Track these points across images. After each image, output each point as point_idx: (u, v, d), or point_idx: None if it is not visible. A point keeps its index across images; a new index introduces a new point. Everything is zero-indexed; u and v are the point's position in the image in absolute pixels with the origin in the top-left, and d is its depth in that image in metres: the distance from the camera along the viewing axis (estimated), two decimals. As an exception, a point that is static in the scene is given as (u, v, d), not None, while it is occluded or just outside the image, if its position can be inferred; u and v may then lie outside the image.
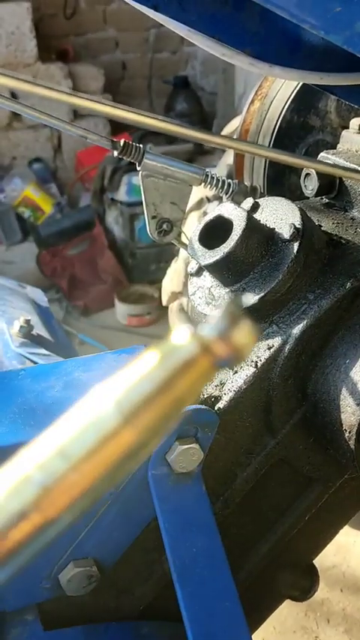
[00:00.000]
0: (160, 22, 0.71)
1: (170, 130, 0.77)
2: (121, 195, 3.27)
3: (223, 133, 1.62)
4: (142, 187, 0.88)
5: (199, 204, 1.53)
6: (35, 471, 0.30)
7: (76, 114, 4.30)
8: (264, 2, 0.42)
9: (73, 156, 4.44)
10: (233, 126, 1.56)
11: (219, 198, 1.58)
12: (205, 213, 1.58)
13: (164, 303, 1.82)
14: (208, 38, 0.71)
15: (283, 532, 0.78)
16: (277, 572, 0.82)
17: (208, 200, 1.55)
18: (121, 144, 0.85)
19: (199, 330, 0.31)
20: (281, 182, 1.07)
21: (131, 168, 3.31)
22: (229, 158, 1.55)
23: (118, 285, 3.31)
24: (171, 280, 1.72)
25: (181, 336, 0.31)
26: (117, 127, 4.28)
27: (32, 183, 4.12)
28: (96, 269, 3.38)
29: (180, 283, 1.67)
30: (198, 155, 3.59)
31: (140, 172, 0.87)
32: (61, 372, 0.65)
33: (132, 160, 0.86)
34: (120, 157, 0.86)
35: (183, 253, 1.68)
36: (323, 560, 1.76)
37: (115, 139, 0.86)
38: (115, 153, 0.85)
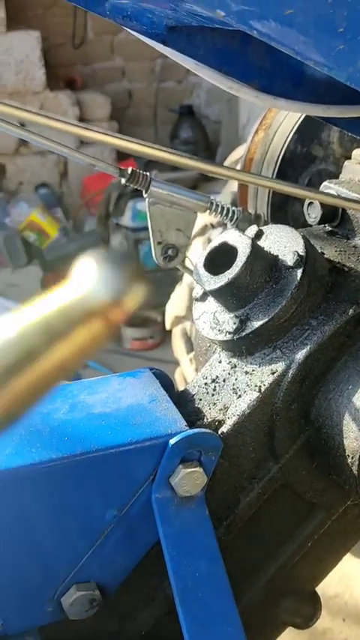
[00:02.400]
0: (168, 55, 0.73)
1: (174, 160, 0.79)
2: (126, 220, 3.31)
3: (227, 161, 1.65)
4: (148, 214, 0.90)
5: (203, 230, 1.55)
6: None
7: (83, 141, 4.37)
8: (270, 41, 0.44)
9: (78, 181, 4.50)
10: (237, 154, 1.58)
11: (223, 225, 1.60)
12: (209, 240, 1.60)
13: (168, 327, 1.83)
14: (215, 71, 0.73)
15: (286, 558, 0.78)
16: (279, 599, 0.81)
17: (212, 227, 1.57)
18: (129, 172, 0.87)
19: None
20: (284, 210, 1.09)
21: (136, 194, 3.36)
22: (233, 186, 1.58)
23: (121, 309, 3.32)
24: (175, 305, 1.73)
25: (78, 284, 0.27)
26: (123, 153, 4.35)
27: (38, 208, 4.17)
28: (100, 293, 3.39)
29: (183, 308, 1.68)
30: (202, 182, 3.64)
31: (147, 199, 0.89)
32: (67, 394, 0.66)
33: (139, 188, 0.88)
34: (127, 184, 0.88)
35: (187, 278, 1.70)
36: (325, 589, 1.74)
37: (122, 167, 0.88)
38: (123, 180, 0.87)
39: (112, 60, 4.94)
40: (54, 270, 3.67)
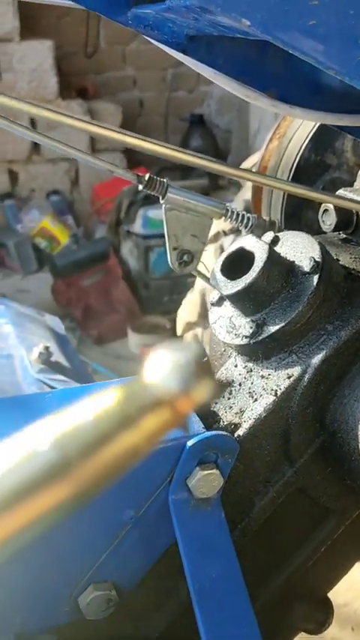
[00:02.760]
0: (187, 64, 0.75)
1: (189, 161, 0.80)
2: (137, 227, 3.33)
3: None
4: (164, 219, 0.91)
5: (216, 237, 1.56)
6: None
7: (94, 149, 4.41)
8: (293, 50, 0.45)
9: (89, 189, 4.53)
10: (250, 162, 1.60)
11: (235, 232, 1.62)
12: (221, 247, 1.61)
13: (179, 333, 1.84)
14: (233, 80, 0.74)
15: (299, 563, 0.78)
16: (292, 604, 0.82)
17: (225, 234, 1.58)
18: (146, 178, 0.88)
19: (165, 377, 0.28)
20: (298, 217, 1.10)
21: (147, 202, 3.38)
22: (246, 193, 1.59)
23: (131, 315, 3.34)
24: (186, 311, 1.74)
25: (144, 380, 0.28)
26: (133, 161, 4.38)
27: (50, 215, 4.20)
28: (110, 299, 3.42)
29: (195, 314, 1.69)
30: (212, 191, 3.66)
31: (163, 205, 0.90)
32: (87, 396, 0.67)
33: (155, 194, 0.90)
34: (144, 190, 0.89)
35: (199, 285, 1.71)
36: (334, 597, 1.73)
37: (140, 174, 0.90)
38: (140, 186, 0.89)
39: (124, 69, 4.99)
40: (64, 276, 3.69)
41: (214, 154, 4.83)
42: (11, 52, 4.19)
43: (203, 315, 1.60)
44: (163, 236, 0.94)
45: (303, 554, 0.77)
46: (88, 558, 0.63)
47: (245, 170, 0.79)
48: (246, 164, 1.66)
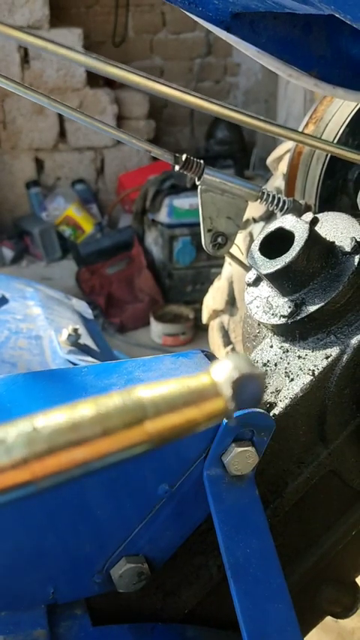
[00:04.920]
0: (230, 42, 0.74)
1: (222, 113, 0.78)
2: (162, 216, 3.33)
3: (272, 157, 1.65)
4: (199, 201, 0.91)
5: (246, 224, 1.56)
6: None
7: (118, 141, 4.41)
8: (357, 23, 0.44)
9: (114, 178, 4.54)
10: (282, 149, 1.59)
11: (265, 219, 1.61)
12: (250, 234, 1.60)
13: (204, 320, 1.84)
14: (276, 59, 0.74)
15: (329, 546, 0.78)
16: (320, 587, 0.82)
17: (254, 220, 1.57)
18: (183, 159, 0.88)
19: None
20: (332, 202, 1.09)
21: (173, 191, 3.38)
22: (276, 181, 1.58)
23: (154, 304, 3.35)
24: (213, 298, 1.74)
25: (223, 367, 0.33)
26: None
27: (75, 203, 4.22)
28: (133, 288, 3.43)
29: (222, 301, 1.69)
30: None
31: (199, 187, 0.90)
32: (122, 370, 0.67)
33: (192, 175, 0.89)
34: (181, 171, 0.89)
35: (226, 272, 1.71)
36: None
37: (177, 155, 0.90)
38: (177, 167, 0.89)
39: (152, 59, 4.98)
40: (88, 264, 3.71)
41: (240, 145, 4.80)
42: (40, 39, 4.20)
43: (230, 302, 1.60)
44: (187, 225, 0.93)
45: (332, 537, 0.77)
46: (122, 530, 0.64)
47: (289, 128, 0.78)
48: (277, 152, 1.65)
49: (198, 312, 3.06)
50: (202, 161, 0.89)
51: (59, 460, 0.30)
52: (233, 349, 1.61)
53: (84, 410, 0.31)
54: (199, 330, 3.15)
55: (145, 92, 4.75)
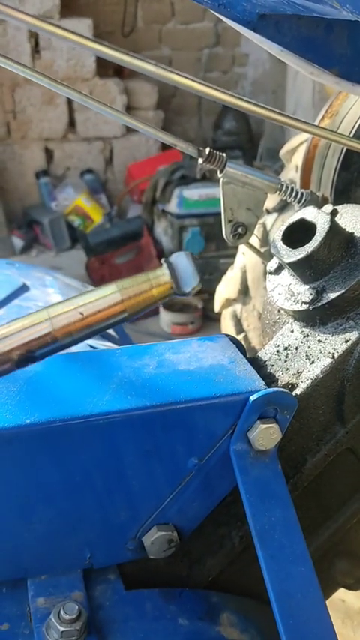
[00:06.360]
0: (255, 41, 0.78)
1: (231, 102, 0.81)
2: (172, 207, 3.36)
3: (285, 149, 1.68)
4: (221, 193, 0.95)
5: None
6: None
7: (129, 129, 4.44)
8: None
9: (122, 169, 4.57)
10: (296, 142, 1.62)
11: (278, 211, 1.64)
12: (264, 225, 1.64)
13: (217, 309, 1.88)
14: (299, 58, 0.78)
15: (344, 520, 0.82)
16: (334, 560, 0.86)
17: (268, 212, 1.61)
18: (207, 152, 0.92)
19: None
20: (347, 194, 1.13)
21: (182, 182, 3.41)
22: (289, 173, 1.62)
23: (163, 294, 3.39)
24: (226, 287, 1.78)
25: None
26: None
27: (84, 193, 4.25)
28: (143, 278, 3.46)
29: (235, 290, 1.73)
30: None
31: (221, 179, 0.94)
32: (154, 352, 0.72)
33: (214, 167, 0.93)
34: (204, 164, 0.93)
35: (239, 262, 1.75)
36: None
37: (200, 148, 0.94)
38: (200, 160, 0.93)
39: (160, 49, 4.99)
40: (97, 254, 3.75)
41: (248, 135, 4.82)
42: (50, 29, 4.21)
43: (243, 291, 1.64)
44: (197, 216, 0.97)
45: (347, 512, 0.82)
46: (154, 501, 0.69)
47: (304, 122, 0.81)
48: (290, 144, 1.68)
49: (206, 301, 3.10)
50: (224, 154, 0.93)
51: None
52: (245, 338, 1.66)
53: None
54: (208, 319, 3.19)
55: (154, 82, 4.78)
